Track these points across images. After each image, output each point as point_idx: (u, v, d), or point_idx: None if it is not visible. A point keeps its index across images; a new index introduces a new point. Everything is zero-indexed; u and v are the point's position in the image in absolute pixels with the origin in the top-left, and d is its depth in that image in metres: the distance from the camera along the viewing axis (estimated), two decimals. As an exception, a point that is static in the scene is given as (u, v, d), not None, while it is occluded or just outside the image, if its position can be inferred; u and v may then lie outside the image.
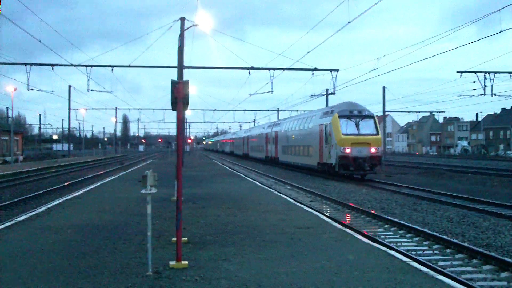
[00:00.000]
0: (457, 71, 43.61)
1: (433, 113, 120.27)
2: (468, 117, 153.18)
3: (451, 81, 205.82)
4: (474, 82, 44.89)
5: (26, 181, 33.14)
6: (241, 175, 34.71)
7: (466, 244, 12.24)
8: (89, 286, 7.41)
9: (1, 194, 25.57)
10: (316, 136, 37.32)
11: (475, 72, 44.16)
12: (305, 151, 40.60)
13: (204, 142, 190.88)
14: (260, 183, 28.31)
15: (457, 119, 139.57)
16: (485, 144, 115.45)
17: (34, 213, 15.41)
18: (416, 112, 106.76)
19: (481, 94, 44.98)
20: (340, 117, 33.78)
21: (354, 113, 34.25)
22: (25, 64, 38.11)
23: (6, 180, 33.15)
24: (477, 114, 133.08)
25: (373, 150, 33.02)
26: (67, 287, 7.36)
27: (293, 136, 45.39)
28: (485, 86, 43.70)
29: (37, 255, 9.44)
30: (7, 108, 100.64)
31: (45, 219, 13.93)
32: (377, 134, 34.07)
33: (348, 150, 32.47)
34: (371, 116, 34.49)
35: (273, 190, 23.63)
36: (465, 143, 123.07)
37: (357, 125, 33.66)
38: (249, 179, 30.78)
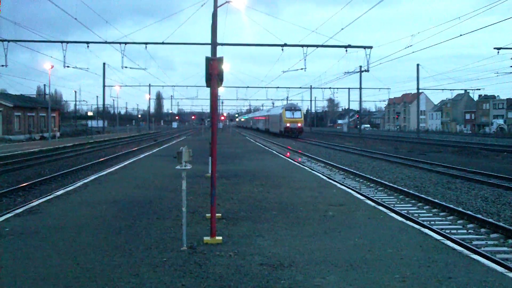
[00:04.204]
0: (494, 48, 42.78)
1: (468, 90, 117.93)
2: (505, 95, 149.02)
3: (487, 58, 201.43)
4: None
5: (63, 157, 33.83)
6: (274, 151, 34.72)
7: (501, 224, 12.10)
8: (125, 260, 7.56)
9: (40, 169, 26.21)
10: (278, 118, 73.91)
11: (514, 49, 43.18)
12: (275, 125, 77.23)
13: (237, 120, 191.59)
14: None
15: (493, 97, 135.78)
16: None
17: (71, 187, 15.78)
18: (451, 89, 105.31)
19: (520, 71, 44.03)
20: (286, 110, 70.65)
21: (292, 108, 71.55)
22: (62, 42, 38.66)
23: (45, 156, 33.95)
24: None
25: (299, 125, 70.07)
26: (104, 260, 7.53)
27: (272, 118, 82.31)
28: (524, 63, 42.73)
29: (74, 229, 9.66)
30: (44, 85, 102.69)
31: (82, 194, 14.23)
32: (301, 118, 71.13)
33: (288, 125, 69.09)
34: (300, 109, 72.70)
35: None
36: (501, 121, 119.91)
37: (293, 114, 69.83)
38: (281, 156, 30.79)
